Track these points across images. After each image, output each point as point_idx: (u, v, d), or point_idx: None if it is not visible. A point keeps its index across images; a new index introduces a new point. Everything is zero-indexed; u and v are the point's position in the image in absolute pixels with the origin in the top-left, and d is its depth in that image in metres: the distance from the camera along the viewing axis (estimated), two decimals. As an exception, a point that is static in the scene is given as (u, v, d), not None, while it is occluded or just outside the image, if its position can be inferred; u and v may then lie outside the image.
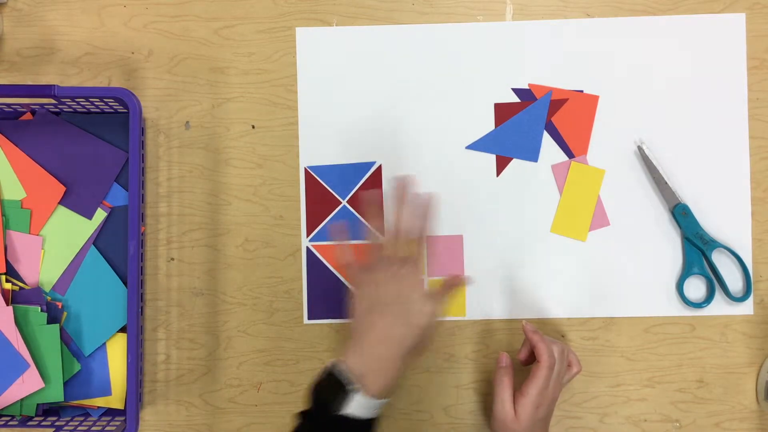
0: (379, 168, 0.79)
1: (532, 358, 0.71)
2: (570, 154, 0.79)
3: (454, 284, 0.69)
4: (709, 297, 0.77)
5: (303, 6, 0.80)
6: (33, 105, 0.77)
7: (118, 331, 0.76)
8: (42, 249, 0.77)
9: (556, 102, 0.79)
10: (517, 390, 0.69)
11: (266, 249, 0.79)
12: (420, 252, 0.69)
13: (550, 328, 0.78)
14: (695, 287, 0.78)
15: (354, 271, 0.69)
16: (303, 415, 0.63)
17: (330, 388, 0.62)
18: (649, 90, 0.79)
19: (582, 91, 0.79)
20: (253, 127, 0.79)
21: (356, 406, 0.61)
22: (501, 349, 0.78)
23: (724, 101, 0.78)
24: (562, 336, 0.78)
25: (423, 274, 0.69)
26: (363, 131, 0.79)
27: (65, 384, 0.76)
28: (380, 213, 0.76)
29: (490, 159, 0.79)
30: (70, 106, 0.76)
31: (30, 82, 0.79)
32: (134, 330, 0.70)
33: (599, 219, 0.78)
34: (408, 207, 0.69)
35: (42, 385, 0.74)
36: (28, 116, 0.78)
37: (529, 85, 0.79)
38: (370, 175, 0.79)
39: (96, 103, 0.75)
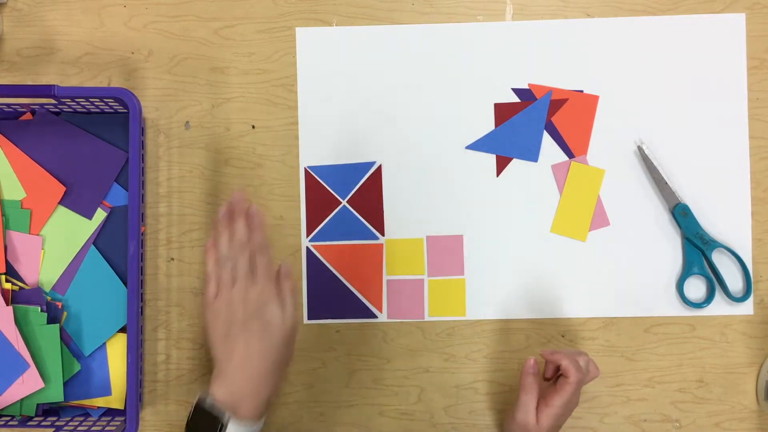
0: (379, 168, 0.79)
1: (556, 371, 0.70)
2: (570, 154, 0.79)
3: (288, 276, 0.66)
4: (709, 297, 0.77)
5: (303, 6, 0.80)
6: (33, 105, 0.77)
7: (118, 331, 0.76)
8: (42, 249, 0.77)
9: (556, 102, 0.79)
10: (542, 397, 0.68)
11: (266, 249, 0.79)
12: (263, 261, 0.65)
13: (550, 328, 0.78)
14: (695, 287, 0.78)
15: (207, 298, 0.66)
16: None
17: (203, 422, 0.61)
18: (649, 90, 0.79)
19: (582, 91, 0.79)
20: (253, 127, 0.79)
21: None
22: (500, 349, 0.78)
23: (724, 101, 0.78)
24: (562, 336, 0.78)
25: (272, 282, 0.64)
26: (363, 131, 0.79)
27: (65, 384, 0.75)
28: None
29: (490, 159, 0.79)
30: (70, 106, 0.76)
31: (30, 82, 0.79)
32: (134, 330, 0.70)
33: (599, 219, 0.78)
34: (239, 220, 0.66)
35: (42, 385, 0.74)
36: (28, 116, 0.78)
37: (529, 85, 0.79)
38: (370, 175, 0.79)
39: (96, 103, 0.75)
